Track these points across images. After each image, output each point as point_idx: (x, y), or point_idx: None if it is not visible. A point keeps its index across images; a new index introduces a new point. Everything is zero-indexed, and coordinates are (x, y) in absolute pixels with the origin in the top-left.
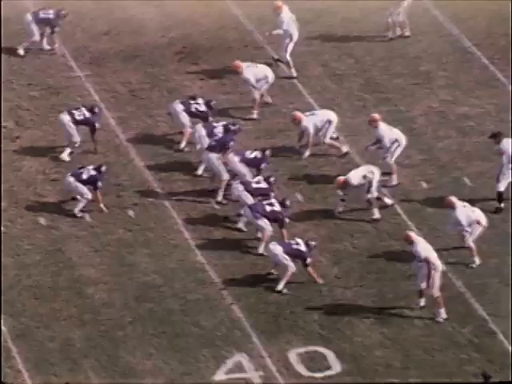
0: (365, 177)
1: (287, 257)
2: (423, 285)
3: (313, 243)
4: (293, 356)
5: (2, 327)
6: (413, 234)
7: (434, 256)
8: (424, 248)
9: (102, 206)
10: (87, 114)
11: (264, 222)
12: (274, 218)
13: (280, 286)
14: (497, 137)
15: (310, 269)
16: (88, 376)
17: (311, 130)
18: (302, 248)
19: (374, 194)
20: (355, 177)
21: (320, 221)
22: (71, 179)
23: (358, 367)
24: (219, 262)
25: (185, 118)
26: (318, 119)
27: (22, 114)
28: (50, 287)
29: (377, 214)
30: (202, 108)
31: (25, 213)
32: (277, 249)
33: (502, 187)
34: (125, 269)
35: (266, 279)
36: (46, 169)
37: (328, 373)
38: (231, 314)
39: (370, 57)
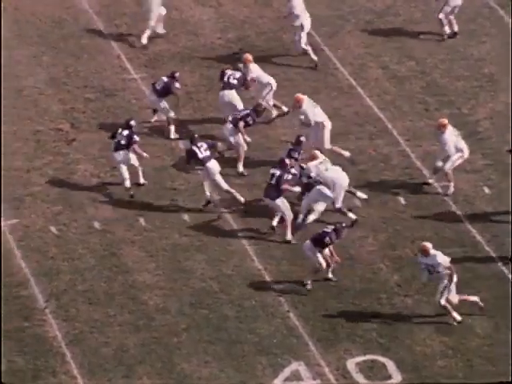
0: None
1: (315, 250)
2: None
3: (343, 225)
4: (351, 365)
5: (57, 332)
6: (429, 245)
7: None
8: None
9: (144, 154)
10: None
11: None
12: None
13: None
14: None
15: (327, 251)
16: (143, 383)
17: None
18: (328, 230)
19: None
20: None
21: (379, 227)
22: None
23: (419, 377)
24: (276, 268)
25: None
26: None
27: (78, 117)
28: (105, 292)
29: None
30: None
31: (79, 216)
32: (306, 244)
33: None
34: (180, 274)
35: (324, 286)
36: (101, 172)
37: (388, 382)
38: (288, 322)
39: (431, 59)
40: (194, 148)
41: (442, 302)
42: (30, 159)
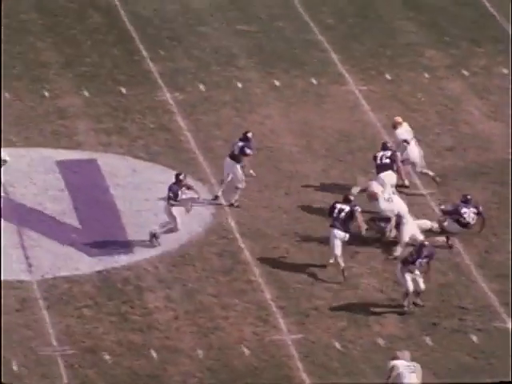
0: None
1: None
2: None
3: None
4: None
5: None
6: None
7: None
8: None
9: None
10: None
11: None
12: None
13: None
14: None
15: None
16: None
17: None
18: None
19: None
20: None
21: None
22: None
23: None
24: None
25: None
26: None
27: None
28: None
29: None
30: None
31: (364, 333)
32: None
33: None
34: None
35: None
36: (384, 286)
37: None
38: None
39: None
40: (179, 191)
41: None
42: (314, 272)
